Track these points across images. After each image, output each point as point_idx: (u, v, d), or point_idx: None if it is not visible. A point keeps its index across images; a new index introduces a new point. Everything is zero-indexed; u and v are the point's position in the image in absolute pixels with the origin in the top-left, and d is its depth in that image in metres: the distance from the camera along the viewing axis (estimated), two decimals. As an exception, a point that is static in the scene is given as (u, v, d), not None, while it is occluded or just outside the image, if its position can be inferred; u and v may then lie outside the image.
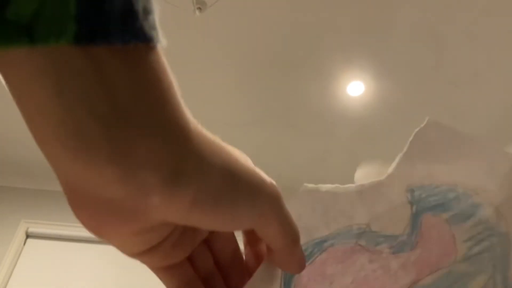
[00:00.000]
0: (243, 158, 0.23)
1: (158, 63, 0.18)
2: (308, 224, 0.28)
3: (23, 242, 2.56)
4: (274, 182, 0.23)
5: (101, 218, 0.19)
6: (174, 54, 2.15)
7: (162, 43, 0.18)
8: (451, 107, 2.16)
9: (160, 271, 0.25)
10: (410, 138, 0.27)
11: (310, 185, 0.29)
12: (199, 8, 1.74)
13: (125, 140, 0.17)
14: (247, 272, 0.27)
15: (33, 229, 2.58)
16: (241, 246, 0.28)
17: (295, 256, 0.25)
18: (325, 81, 2.13)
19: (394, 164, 0.27)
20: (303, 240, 0.26)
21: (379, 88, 2.14)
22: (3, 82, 0.16)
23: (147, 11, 0.17)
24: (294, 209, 0.27)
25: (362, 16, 1.82)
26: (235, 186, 0.21)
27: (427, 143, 0.27)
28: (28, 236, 2.59)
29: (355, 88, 2.16)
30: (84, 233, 2.91)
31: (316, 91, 2.18)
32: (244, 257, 0.28)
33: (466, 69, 2.00)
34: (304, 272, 0.26)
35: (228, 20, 1.86)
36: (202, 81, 2.15)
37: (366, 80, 2.11)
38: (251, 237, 0.27)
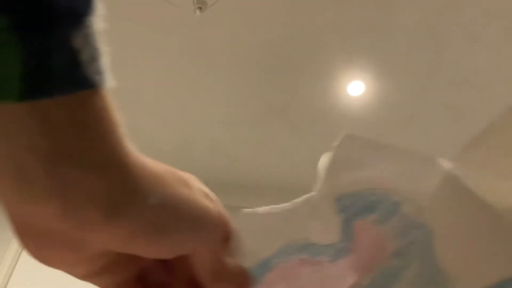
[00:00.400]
0: (187, 186, 0.24)
1: (101, 104, 0.19)
2: (252, 248, 0.29)
3: (23, 242, 2.57)
4: (216, 211, 0.25)
5: (47, 249, 0.20)
6: (175, 54, 2.15)
7: (108, 84, 0.19)
8: (451, 107, 2.16)
9: None
10: (331, 153, 0.29)
11: (247, 210, 0.30)
12: (200, 8, 1.74)
13: (64, 177, 0.18)
14: None
15: (33, 228, 2.59)
16: None
17: (228, 280, 0.26)
18: (325, 81, 2.13)
19: (319, 179, 0.29)
20: (249, 263, 0.28)
21: (380, 88, 2.14)
22: None
23: (93, 59, 0.18)
24: (237, 237, 0.29)
25: (363, 16, 1.82)
26: (175, 217, 0.22)
27: (347, 155, 0.29)
28: (28, 235, 2.59)
29: (356, 88, 2.16)
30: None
31: (317, 91, 2.18)
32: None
33: (466, 69, 2.00)
34: None
35: (228, 20, 1.86)
36: (202, 81, 2.15)
37: (366, 80, 2.11)
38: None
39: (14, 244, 2.51)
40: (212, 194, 0.27)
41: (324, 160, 0.30)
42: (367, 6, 1.78)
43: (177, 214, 0.22)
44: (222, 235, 0.26)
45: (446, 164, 0.26)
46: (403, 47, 1.92)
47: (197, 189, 0.25)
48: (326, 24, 1.86)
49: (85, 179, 0.18)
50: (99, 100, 0.19)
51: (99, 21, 0.18)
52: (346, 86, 2.15)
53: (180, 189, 0.23)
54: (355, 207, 0.28)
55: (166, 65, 2.06)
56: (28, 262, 2.49)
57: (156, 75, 2.12)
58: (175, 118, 2.37)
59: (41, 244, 0.20)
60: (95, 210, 0.19)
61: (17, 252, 2.50)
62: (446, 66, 1.99)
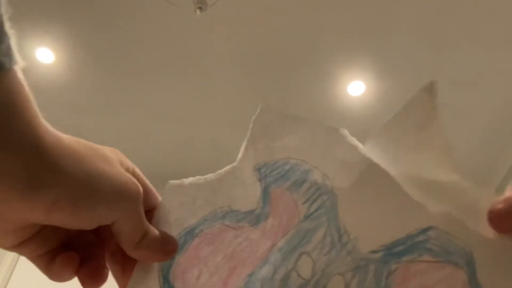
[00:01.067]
0: (108, 164, 0.25)
1: (12, 85, 0.20)
2: (178, 217, 0.31)
3: (23, 241, 2.57)
4: (137, 186, 0.26)
5: None
6: (175, 54, 2.15)
7: (17, 64, 0.20)
8: (451, 107, 2.16)
9: (34, 259, 0.27)
10: (250, 125, 0.32)
11: (175, 181, 0.32)
12: (200, 8, 1.74)
13: None
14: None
15: (33, 228, 2.59)
16: None
17: (151, 247, 0.28)
18: (325, 81, 2.13)
19: (241, 150, 0.32)
20: (176, 231, 0.30)
21: (380, 88, 2.14)
22: None
23: (1, 42, 0.19)
24: (163, 206, 0.31)
25: (363, 16, 1.82)
26: (94, 191, 0.23)
27: (264, 126, 0.31)
28: (28, 235, 2.59)
29: (356, 87, 2.16)
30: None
31: (317, 91, 2.18)
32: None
33: (466, 69, 2.00)
34: (180, 260, 0.30)
35: (229, 20, 1.86)
36: (202, 80, 2.15)
37: (366, 80, 2.11)
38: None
39: (14, 244, 2.51)
40: (134, 168, 0.29)
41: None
42: (367, 6, 1.78)
43: (94, 188, 0.23)
44: (141, 206, 0.27)
45: (354, 140, 0.29)
46: (404, 47, 1.92)
47: (118, 163, 0.26)
48: (327, 24, 1.86)
49: (0, 156, 0.19)
50: (10, 81, 0.20)
51: (4, 4, 0.19)
52: (346, 86, 2.15)
53: (99, 164, 0.24)
54: (272, 176, 0.31)
55: (166, 64, 2.06)
56: (28, 262, 2.49)
57: (156, 74, 2.12)
58: (175, 118, 2.37)
59: None
60: (11, 184, 0.20)
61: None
62: (446, 66, 1.99)
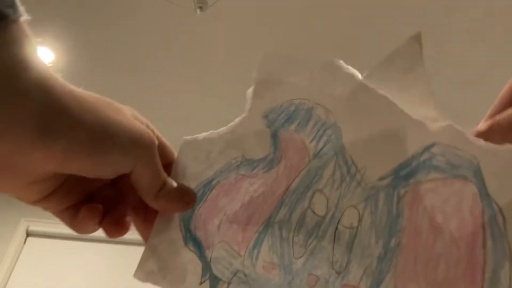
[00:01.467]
0: (120, 114, 0.26)
1: (18, 34, 0.20)
2: (194, 171, 0.32)
3: (23, 241, 2.57)
4: (150, 135, 0.27)
5: None
6: (174, 53, 2.15)
7: (22, 15, 0.20)
8: (451, 107, 2.16)
9: (58, 214, 0.28)
10: (254, 75, 0.32)
11: (189, 137, 0.34)
12: (200, 7, 1.74)
13: None
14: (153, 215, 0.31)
15: (33, 227, 2.59)
16: None
17: (170, 197, 0.28)
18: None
19: (248, 100, 0.33)
20: (193, 184, 0.31)
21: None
22: None
23: None
24: (179, 161, 0.32)
25: (363, 17, 1.82)
26: (107, 138, 0.24)
27: (267, 73, 0.32)
28: (28, 234, 2.59)
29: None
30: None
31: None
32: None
33: (466, 69, 2.00)
34: (200, 211, 0.31)
35: (229, 19, 1.86)
36: (202, 80, 2.15)
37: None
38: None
39: (14, 243, 2.51)
40: (148, 123, 0.29)
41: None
42: (367, 6, 1.78)
43: (108, 134, 0.24)
44: (158, 156, 0.27)
45: (350, 69, 0.29)
46: (403, 47, 1.92)
47: (132, 116, 0.27)
48: (327, 23, 1.86)
49: (9, 105, 0.19)
50: (16, 31, 0.20)
51: None
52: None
53: (112, 114, 0.25)
54: (279, 120, 0.31)
55: (166, 64, 2.06)
56: (28, 261, 2.49)
57: (155, 74, 2.12)
58: (175, 118, 2.37)
59: None
60: (23, 132, 0.20)
61: (18, 250, 2.51)
62: (446, 66, 1.99)
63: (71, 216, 0.28)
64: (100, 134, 0.23)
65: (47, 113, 0.21)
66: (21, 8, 0.20)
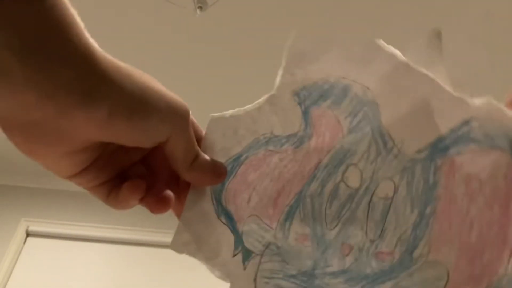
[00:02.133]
0: (154, 82, 0.26)
1: (59, 2, 0.21)
2: (223, 147, 0.32)
3: (23, 241, 2.56)
4: (185, 104, 0.28)
5: (32, 142, 0.22)
6: (174, 53, 2.15)
7: None
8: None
9: (92, 190, 0.28)
10: (285, 53, 0.32)
11: (216, 114, 0.34)
12: (200, 7, 1.74)
13: (36, 66, 0.19)
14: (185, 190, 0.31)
15: (33, 227, 2.59)
16: None
17: (203, 168, 0.29)
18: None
19: (278, 78, 0.33)
20: (222, 160, 0.32)
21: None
22: None
23: None
24: (207, 138, 0.33)
25: (362, 13, 1.82)
26: (146, 103, 0.24)
27: (298, 52, 0.32)
28: (28, 234, 2.59)
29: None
30: (85, 231, 2.89)
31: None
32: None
33: (466, 69, 2.00)
34: (230, 186, 0.31)
35: (229, 19, 1.86)
36: (202, 80, 2.15)
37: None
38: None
39: (14, 243, 2.51)
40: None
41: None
42: (366, 6, 1.78)
43: (147, 100, 0.24)
44: (191, 126, 0.28)
45: (391, 48, 0.30)
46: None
47: (160, 85, 0.28)
48: (327, 24, 1.86)
49: (54, 68, 0.20)
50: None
51: None
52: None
53: (149, 81, 0.26)
54: (311, 97, 0.31)
55: (166, 64, 2.06)
56: (28, 261, 2.49)
57: (155, 74, 2.12)
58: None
59: (26, 136, 0.22)
60: (69, 96, 0.21)
61: (18, 250, 2.51)
62: (447, 66, 1.99)
63: (105, 192, 0.28)
64: (139, 99, 0.24)
65: (90, 78, 0.21)
66: None
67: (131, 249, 1.96)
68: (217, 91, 2.22)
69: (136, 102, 0.24)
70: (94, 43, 0.22)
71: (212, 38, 1.93)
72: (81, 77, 0.21)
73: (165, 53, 2.01)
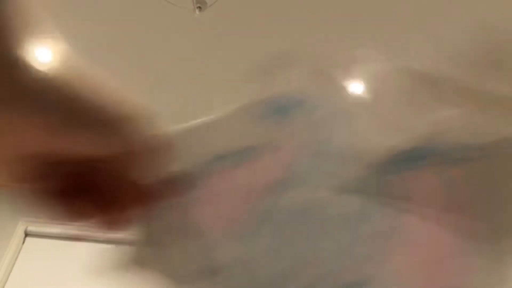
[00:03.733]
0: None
1: None
2: (189, 157, 0.32)
3: (22, 241, 2.56)
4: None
5: None
6: (174, 53, 2.14)
7: None
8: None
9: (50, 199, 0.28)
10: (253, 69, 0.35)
11: (184, 125, 0.34)
12: (199, 7, 1.74)
13: None
14: None
15: (32, 227, 2.58)
16: None
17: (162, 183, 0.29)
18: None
19: (240, 90, 0.33)
20: (188, 170, 0.31)
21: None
22: None
23: None
24: (174, 147, 0.31)
25: (359, 13, 1.82)
26: (79, 116, 0.24)
27: (266, 66, 0.35)
28: (27, 234, 2.59)
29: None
30: (84, 231, 2.88)
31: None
32: None
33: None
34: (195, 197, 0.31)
35: (228, 19, 1.86)
36: (202, 80, 2.15)
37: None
38: None
39: (13, 243, 2.51)
40: None
41: None
42: (366, 7, 1.78)
43: (81, 114, 0.25)
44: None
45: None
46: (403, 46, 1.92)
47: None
48: (327, 23, 1.86)
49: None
50: None
51: None
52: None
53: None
54: (272, 111, 0.32)
55: (165, 64, 2.06)
56: (27, 261, 2.49)
57: (155, 74, 2.12)
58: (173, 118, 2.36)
59: None
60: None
61: (16, 250, 2.50)
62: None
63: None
64: (72, 114, 0.24)
65: (21, 91, 0.22)
66: None
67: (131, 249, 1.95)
68: (217, 91, 2.22)
69: (70, 116, 0.24)
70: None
71: (211, 38, 1.93)
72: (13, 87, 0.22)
73: (165, 53, 2.01)
